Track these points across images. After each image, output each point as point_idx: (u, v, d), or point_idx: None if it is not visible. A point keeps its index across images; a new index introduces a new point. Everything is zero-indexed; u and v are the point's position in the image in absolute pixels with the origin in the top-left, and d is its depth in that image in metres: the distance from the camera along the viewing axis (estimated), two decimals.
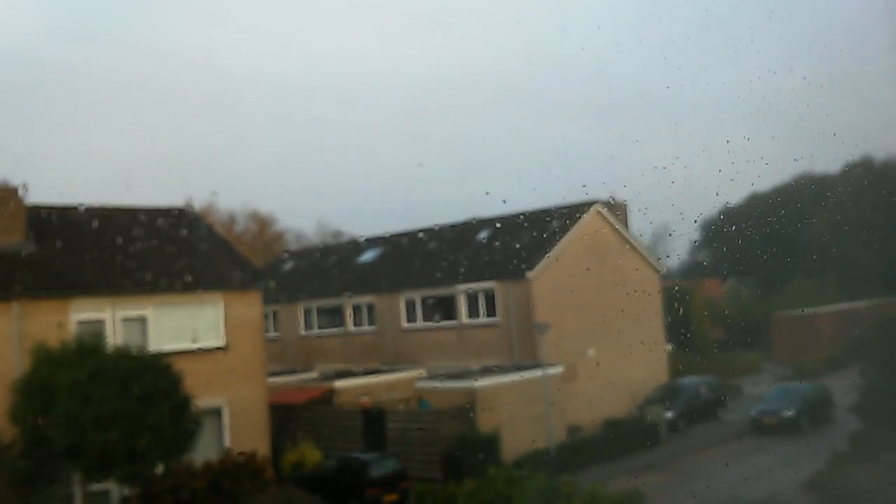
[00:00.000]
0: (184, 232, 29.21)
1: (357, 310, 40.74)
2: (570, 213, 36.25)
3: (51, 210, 27.00)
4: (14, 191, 25.20)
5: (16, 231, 24.96)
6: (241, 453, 24.93)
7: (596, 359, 33.67)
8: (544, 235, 35.35)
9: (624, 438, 30.15)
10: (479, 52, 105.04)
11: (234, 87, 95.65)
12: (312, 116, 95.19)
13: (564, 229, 35.44)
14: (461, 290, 35.66)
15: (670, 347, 40.03)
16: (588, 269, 34.14)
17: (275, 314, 43.86)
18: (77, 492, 22.35)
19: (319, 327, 42.93)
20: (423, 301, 37.57)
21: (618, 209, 37.99)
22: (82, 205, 27.90)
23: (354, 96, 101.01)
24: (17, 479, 20.36)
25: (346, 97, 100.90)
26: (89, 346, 20.78)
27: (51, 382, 19.48)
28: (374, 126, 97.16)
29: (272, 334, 41.85)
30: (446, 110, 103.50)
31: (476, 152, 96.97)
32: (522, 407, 29.00)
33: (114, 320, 24.47)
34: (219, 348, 26.22)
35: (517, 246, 35.82)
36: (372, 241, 44.77)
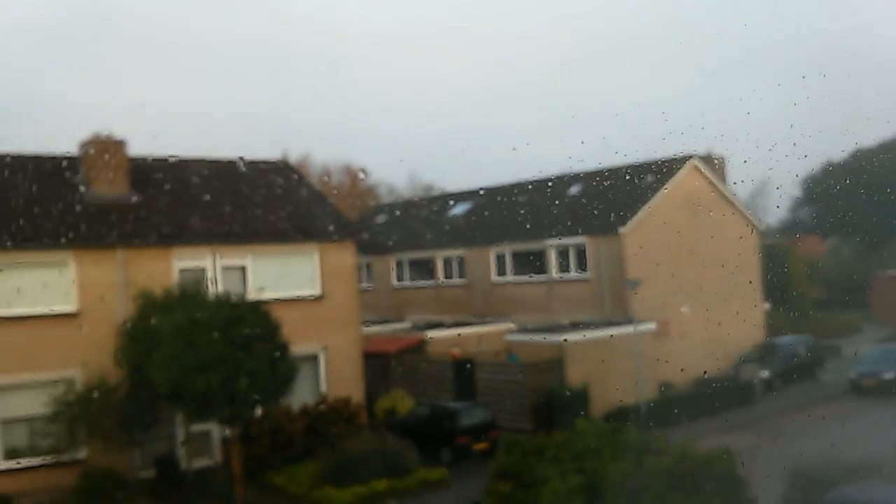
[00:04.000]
0: (281, 184, 29.78)
1: (448, 263, 41.01)
2: (666, 168, 35.49)
3: (153, 162, 27.84)
4: (119, 143, 26.07)
5: (120, 182, 25.87)
6: (336, 399, 25.64)
7: (690, 316, 33.14)
8: (638, 190, 34.75)
9: (717, 396, 29.69)
10: (575, 5, 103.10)
11: (332, 39, 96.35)
12: (407, 68, 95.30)
13: (659, 184, 34.75)
14: (552, 245, 35.46)
15: (767, 305, 39.06)
16: (683, 225, 33.50)
17: (368, 266, 44.52)
18: (179, 432, 23.36)
19: (411, 279, 43.41)
20: (514, 255, 37.53)
21: (715, 163, 37.02)
22: (183, 157, 28.68)
23: (449, 49, 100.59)
24: (123, 420, 21.41)
25: (442, 50, 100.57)
26: (191, 293, 21.52)
27: (154, 328, 20.26)
28: (468, 79, 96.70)
29: (365, 285, 42.52)
30: (541, 64, 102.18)
31: (571, 106, 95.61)
32: (613, 363, 28.83)
33: (214, 268, 25.25)
34: (315, 297, 26.82)
35: (610, 200, 35.34)
36: (463, 195, 44.81)
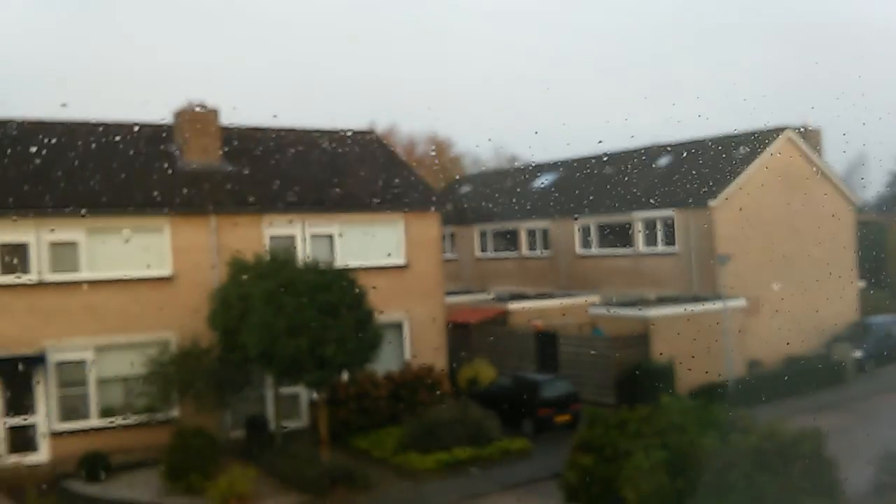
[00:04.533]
0: (368, 154, 30.09)
1: (531, 234, 40.85)
2: (759, 140, 34.48)
3: (245, 131, 28.42)
4: (214, 112, 26.71)
5: (214, 151, 26.55)
6: (420, 366, 25.95)
7: (781, 293, 32.32)
8: (730, 162, 33.89)
9: (807, 376, 28.98)
10: None
11: (424, 9, 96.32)
12: (494, 38, 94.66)
13: (752, 156, 33.83)
14: (639, 218, 34.95)
15: (862, 284, 37.79)
16: (776, 199, 32.58)
17: (452, 236, 44.70)
18: (269, 394, 24.01)
19: (494, 250, 43.43)
20: (599, 227, 37.16)
21: (811, 136, 35.80)
22: (274, 126, 29.21)
23: (540, 19, 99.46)
24: (215, 381, 22.11)
25: (532, 20, 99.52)
26: (281, 260, 22.02)
27: (246, 292, 20.81)
28: (555, 49, 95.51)
29: (449, 255, 42.73)
30: (629, 33, 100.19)
31: (659, 75, 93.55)
32: (700, 339, 28.34)
33: (303, 236, 25.75)
34: (400, 266, 27.11)
35: (700, 173, 34.57)
36: (548, 166, 44.47)
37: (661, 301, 31.00)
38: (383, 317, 22.75)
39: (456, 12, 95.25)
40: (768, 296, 32.37)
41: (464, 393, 27.19)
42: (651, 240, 34.76)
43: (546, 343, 30.26)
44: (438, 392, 25.58)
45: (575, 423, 23.88)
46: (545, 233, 39.99)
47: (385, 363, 24.83)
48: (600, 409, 24.01)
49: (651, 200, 34.61)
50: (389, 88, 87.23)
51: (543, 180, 43.35)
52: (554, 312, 32.71)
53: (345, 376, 23.52)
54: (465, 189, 49.95)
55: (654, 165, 37.54)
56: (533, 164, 48.52)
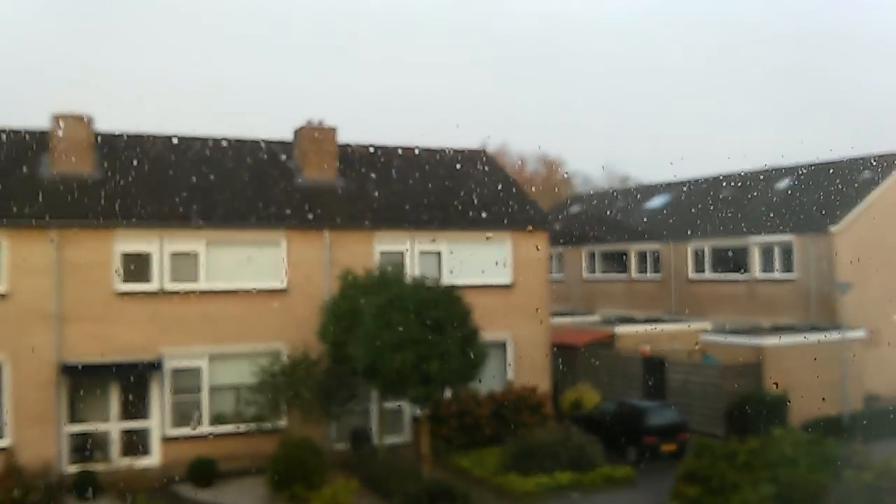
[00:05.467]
0: (478, 172, 30.28)
1: (642, 257, 40.21)
2: (885, 163, 33.05)
3: (360, 149, 29.06)
4: (330, 130, 27.42)
5: (330, 168, 27.24)
6: (523, 387, 25.85)
7: None
8: (853, 186, 32.57)
9: None
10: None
11: (535, 26, 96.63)
12: (610, 57, 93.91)
13: (876, 180, 32.43)
14: (755, 242, 33.97)
15: None
16: None
17: (559, 256, 44.44)
18: (373, 408, 24.36)
19: (602, 272, 42.93)
20: (713, 251, 36.27)
21: None
22: (387, 144, 29.72)
23: (650, 36, 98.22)
24: (322, 393, 22.58)
25: (641, 36, 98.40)
26: (390, 275, 22.38)
27: (355, 306, 21.21)
28: (668, 67, 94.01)
29: (556, 276, 42.48)
30: (742, 49, 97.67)
31: (777, 94, 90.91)
32: (815, 370, 27.24)
33: (412, 252, 26.09)
34: (506, 285, 27.11)
35: (821, 197, 33.34)
36: (661, 188, 43.74)
37: (776, 330, 29.98)
38: (488, 335, 22.81)
39: (568, 30, 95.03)
40: (890, 327, 30.88)
41: (567, 416, 26.91)
42: (768, 265, 33.71)
43: (654, 369, 29.67)
44: (541, 414, 25.41)
45: (681, 452, 23.29)
46: (656, 255, 39.31)
47: (488, 382, 24.86)
48: (708, 439, 23.42)
49: (769, 225, 33.61)
50: (501, 107, 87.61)
51: (656, 202, 42.67)
52: (663, 338, 32.06)
53: (448, 393, 23.66)
54: (575, 209, 49.63)
55: (773, 188, 36.45)
56: (645, 185, 47.85)
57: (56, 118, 24.41)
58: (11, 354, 21.83)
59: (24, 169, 24.06)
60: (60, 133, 24.16)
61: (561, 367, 30.13)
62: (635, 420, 24.71)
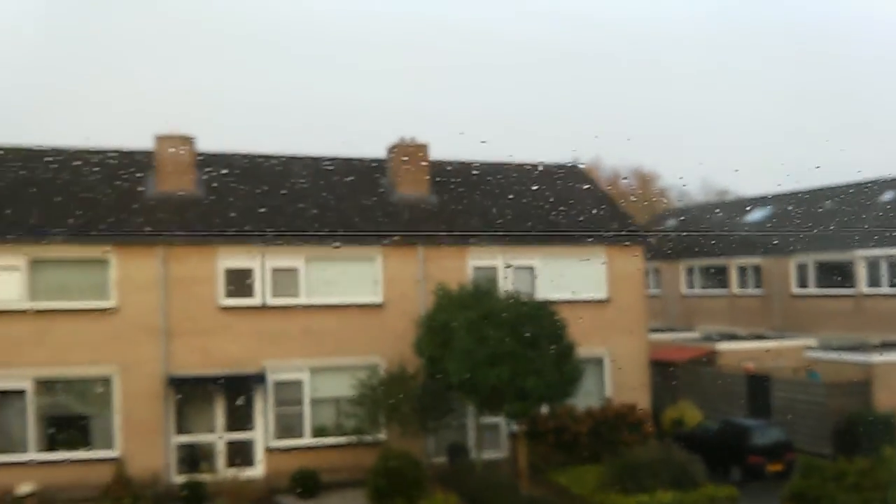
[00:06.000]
0: (571, 187, 30.09)
1: (742, 271, 39.20)
2: None
3: (450, 164, 29.23)
4: (423, 147, 27.68)
5: (422, 183, 27.49)
6: (621, 404, 25.44)
7: None
8: None
9: None
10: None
11: (625, 41, 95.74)
12: (708, 70, 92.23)
13: None
14: (861, 256, 32.72)
15: None
16: None
17: (656, 271, 43.69)
18: (470, 422, 24.35)
19: (701, 287, 42.01)
20: (817, 265, 35.10)
21: None
22: (479, 160, 29.81)
23: (741, 43, 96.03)
24: (420, 407, 22.70)
25: (731, 44, 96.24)
26: (484, 290, 22.39)
27: (450, 321, 21.29)
28: (765, 78, 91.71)
29: (653, 291, 41.76)
30: (840, 58, 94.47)
31: (878, 104, 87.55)
32: None
33: (505, 267, 26.06)
34: (602, 300, 26.79)
35: None
36: (761, 200, 42.60)
37: (886, 346, 28.77)
38: (584, 351, 22.58)
39: (660, 45, 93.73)
40: None
41: (667, 434, 26.36)
42: (874, 280, 32.44)
43: (757, 387, 28.81)
44: (641, 432, 24.94)
45: (788, 472, 22.53)
46: (757, 270, 38.26)
47: (585, 399, 24.59)
48: (816, 459, 22.64)
49: (875, 238, 32.35)
50: (595, 121, 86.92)
51: (756, 215, 41.58)
52: (766, 355, 31.13)
53: (545, 409, 23.47)
54: (671, 223, 48.77)
55: (876, 201, 35.10)
56: (745, 198, 46.70)
57: (160, 139, 25.35)
58: (121, 367, 22.69)
59: (132, 188, 25.04)
60: (165, 153, 25.11)
61: (660, 384, 29.56)
62: (740, 439, 24.04)
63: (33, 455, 22.15)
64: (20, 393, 22.27)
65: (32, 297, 22.49)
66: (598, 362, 26.54)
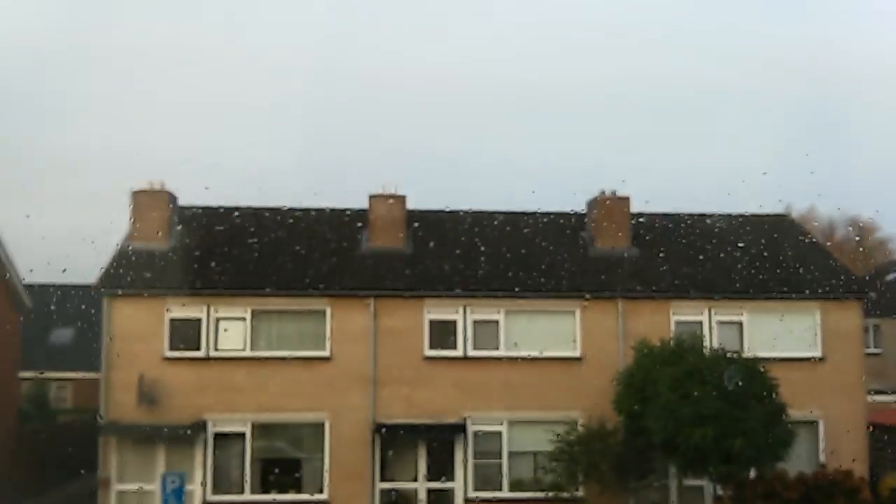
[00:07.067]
0: (781, 238, 28.90)
1: None
2: None
3: (656, 217, 28.84)
4: (624, 200, 27.51)
5: (623, 237, 27.32)
6: (836, 470, 23.91)
7: None
8: None
9: None
10: None
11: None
12: None
13: None
14: None
15: None
16: None
17: (875, 328, 40.79)
18: (672, 484, 23.68)
19: None
20: None
21: None
22: (681, 212, 29.26)
23: None
24: (619, 465, 22.37)
25: None
26: (687, 346, 21.89)
27: (651, 377, 20.94)
28: None
29: (872, 349, 38.98)
30: None
31: None
32: None
33: (710, 322, 25.33)
34: (815, 359, 25.41)
35: None
36: None
37: None
38: (796, 412, 21.50)
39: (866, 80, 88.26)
40: None
41: (886, 503, 24.46)
42: None
43: None
44: (858, 500, 23.26)
45: None
46: None
47: (796, 463, 23.25)
48: None
49: None
50: (806, 170, 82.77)
51: None
52: None
53: (752, 473, 22.46)
54: (893, 276, 45.46)
55: None
56: None
57: (372, 197, 26.82)
58: (332, 414, 23.94)
59: (346, 244, 26.58)
60: (378, 211, 26.60)
61: (880, 449, 27.48)
62: None
63: (248, 496, 23.67)
64: (240, 436, 23.96)
65: (254, 346, 24.27)
66: (811, 425, 25.07)
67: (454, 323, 24.66)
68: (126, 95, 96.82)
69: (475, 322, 24.77)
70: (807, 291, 25.91)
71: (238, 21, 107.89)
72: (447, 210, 28.61)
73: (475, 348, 24.67)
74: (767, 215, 29.85)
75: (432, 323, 24.62)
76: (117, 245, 25.65)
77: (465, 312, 24.69)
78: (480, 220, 28.36)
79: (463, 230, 27.90)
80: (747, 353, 22.74)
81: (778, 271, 26.79)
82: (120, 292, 24.03)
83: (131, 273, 24.59)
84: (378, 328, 24.33)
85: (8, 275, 26.77)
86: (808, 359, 25.30)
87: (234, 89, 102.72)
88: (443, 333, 24.61)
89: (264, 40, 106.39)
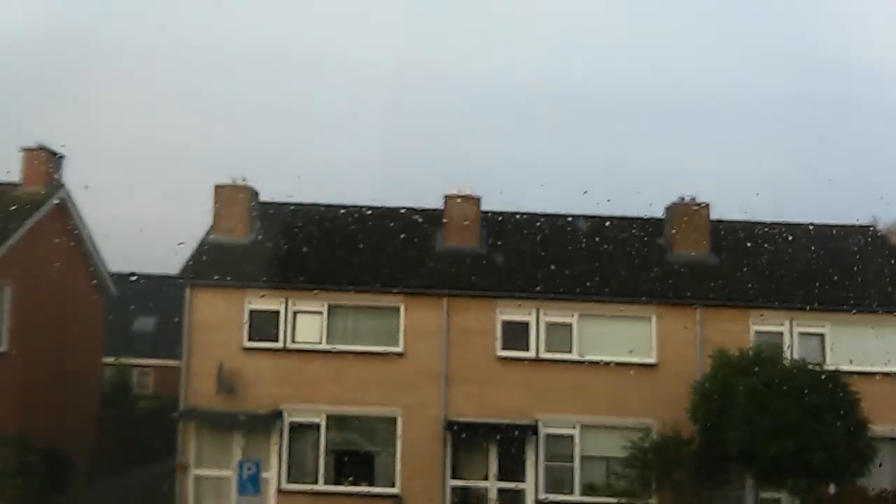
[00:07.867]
0: (866, 250, 28.07)
1: None
2: None
3: (735, 224, 28.33)
4: (703, 206, 27.03)
5: (702, 244, 26.90)
6: None
7: None
8: None
9: None
10: None
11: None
12: None
13: None
14: None
15: None
16: None
17: None
18: (748, 496, 23.21)
19: None
20: None
21: None
22: (763, 220, 28.64)
23: None
24: (693, 474, 22.04)
25: None
26: (766, 356, 21.45)
27: (729, 387, 20.57)
28: None
29: None
30: None
31: None
32: None
33: (791, 333, 24.75)
34: None
35: None
36: None
37: None
38: (880, 428, 20.91)
39: None
40: None
41: None
42: None
43: None
44: None
45: None
46: None
47: (878, 479, 22.57)
48: None
49: None
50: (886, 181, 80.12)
51: None
52: None
53: (832, 488, 21.89)
54: None
55: None
56: None
57: (448, 197, 26.97)
58: (405, 409, 24.15)
59: (420, 242, 26.78)
60: (453, 211, 26.74)
61: None
62: None
63: (322, 486, 24.07)
64: (315, 427, 24.37)
65: (330, 340, 24.64)
66: (893, 441, 24.30)
67: (526, 324, 24.62)
68: (228, 96, 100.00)
69: (548, 324, 24.70)
70: (889, 304, 25.06)
71: (319, 28, 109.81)
72: (522, 212, 28.59)
73: (547, 350, 24.60)
74: (852, 226, 29.02)
75: (505, 324, 24.64)
76: (200, 238, 26.35)
77: (537, 314, 24.64)
78: (555, 223, 28.26)
79: (537, 232, 27.85)
80: (829, 366, 22.14)
81: (863, 283, 26.01)
82: (201, 283, 24.65)
83: (213, 265, 25.23)
84: (451, 326, 24.45)
85: (94, 264, 27.72)
86: (894, 374, 24.50)
87: (321, 89, 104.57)
88: (515, 334, 24.59)
89: (343, 44, 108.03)
